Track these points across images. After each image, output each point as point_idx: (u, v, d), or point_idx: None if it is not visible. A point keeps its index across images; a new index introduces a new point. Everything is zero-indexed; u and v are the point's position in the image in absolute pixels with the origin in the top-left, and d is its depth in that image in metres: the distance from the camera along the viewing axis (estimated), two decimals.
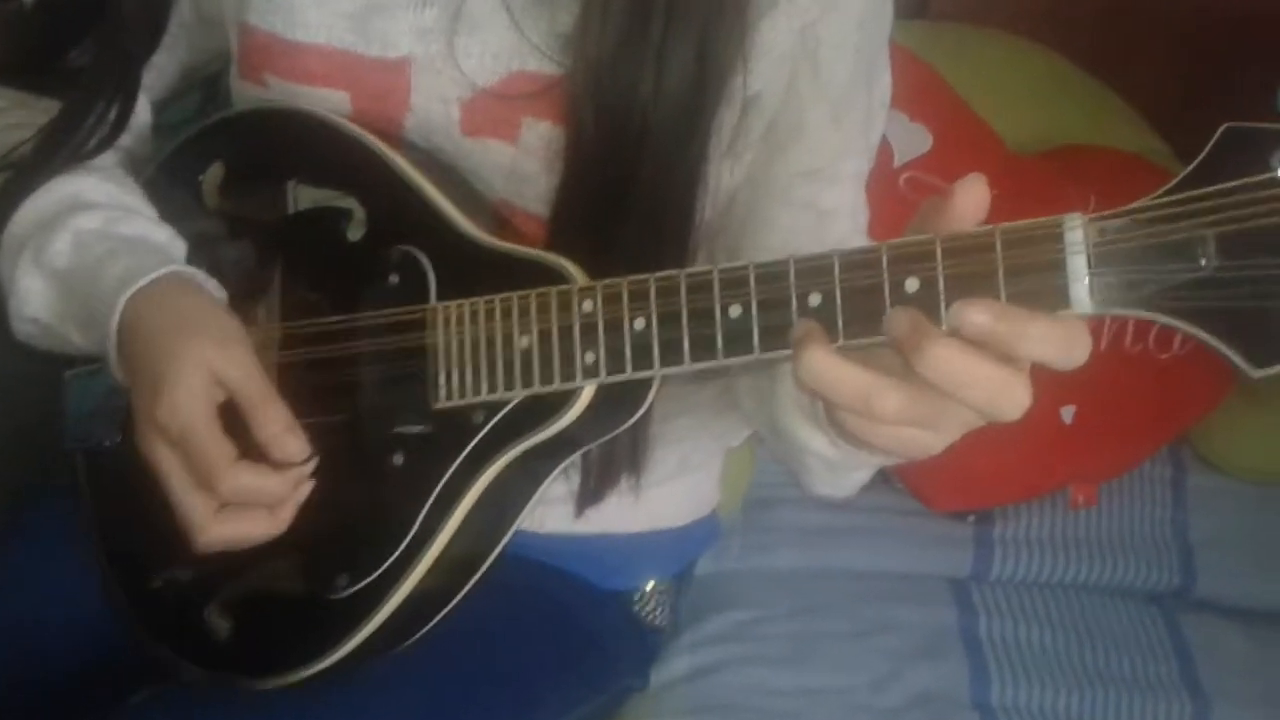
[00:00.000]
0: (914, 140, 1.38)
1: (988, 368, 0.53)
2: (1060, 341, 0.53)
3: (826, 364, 0.56)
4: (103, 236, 0.79)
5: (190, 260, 0.81)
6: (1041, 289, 0.53)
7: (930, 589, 1.34)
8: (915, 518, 1.40)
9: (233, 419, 0.73)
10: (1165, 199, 0.51)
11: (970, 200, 0.55)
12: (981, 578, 1.37)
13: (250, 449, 0.73)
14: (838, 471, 0.76)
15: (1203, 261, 0.50)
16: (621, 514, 0.91)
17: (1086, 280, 0.52)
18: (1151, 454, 1.47)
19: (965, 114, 1.45)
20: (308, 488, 0.74)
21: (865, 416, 0.56)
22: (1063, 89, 1.58)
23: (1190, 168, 0.51)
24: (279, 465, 0.73)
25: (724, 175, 0.80)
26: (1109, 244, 0.52)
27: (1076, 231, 0.53)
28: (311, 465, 0.74)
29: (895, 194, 1.34)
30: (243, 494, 0.72)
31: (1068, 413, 1.40)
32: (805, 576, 1.33)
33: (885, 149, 0.83)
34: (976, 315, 0.53)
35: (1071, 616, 1.33)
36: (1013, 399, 0.54)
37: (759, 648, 1.22)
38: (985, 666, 1.25)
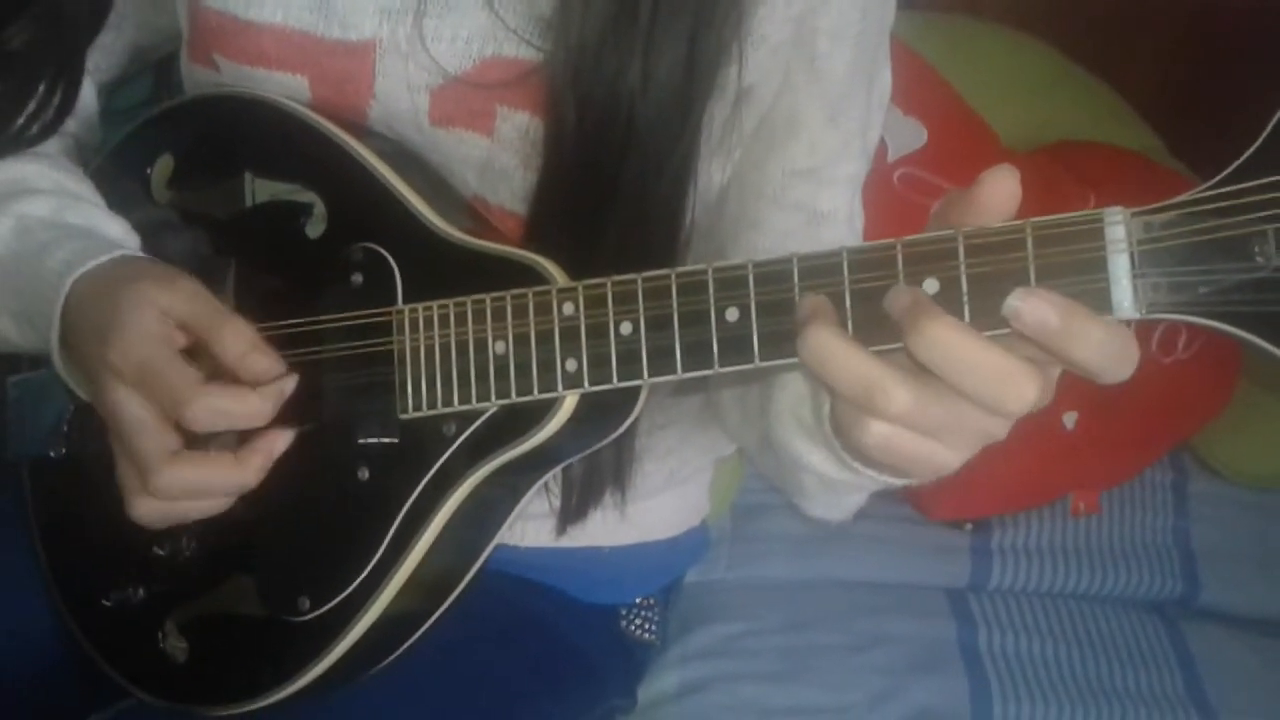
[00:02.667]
0: (908, 135, 1.36)
1: (994, 354, 0.49)
2: (1117, 350, 0.49)
3: (832, 345, 0.51)
4: (50, 224, 0.76)
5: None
6: (1079, 292, 0.49)
7: (927, 600, 1.32)
8: (910, 526, 1.38)
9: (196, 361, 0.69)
10: (1217, 190, 0.46)
11: (999, 192, 0.50)
12: (980, 588, 1.35)
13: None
14: (835, 491, 0.72)
15: (1260, 260, 0.46)
16: (607, 527, 0.88)
17: (1130, 282, 0.47)
18: (1154, 460, 1.47)
19: (960, 108, 1.44)
20: (284, 440, 0.70)
21: (867, 410, 0.52)
22: (1058, 83, 1.57)
23: (1245, 156, 0.46)
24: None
25: (714, 173, 0.77)
26: (1155, 241, 0.47)
27: (1118, 227, 0.48)
28: (291, 384, 0.69)
29: (889, 191, 1.32)
30: (214, 415, 0.67)
31: (1069, 419, 1.39)
32: (796, 587, 1.31)
33: (879, 145, 0.80)
34: (1038, 308, 0.48)
35: (1073, 627, 1.31)
36: (1018, 390, 0.50)
37: (750, 663, 1.19)
38: (986, 681, 1.22)
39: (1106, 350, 0.48)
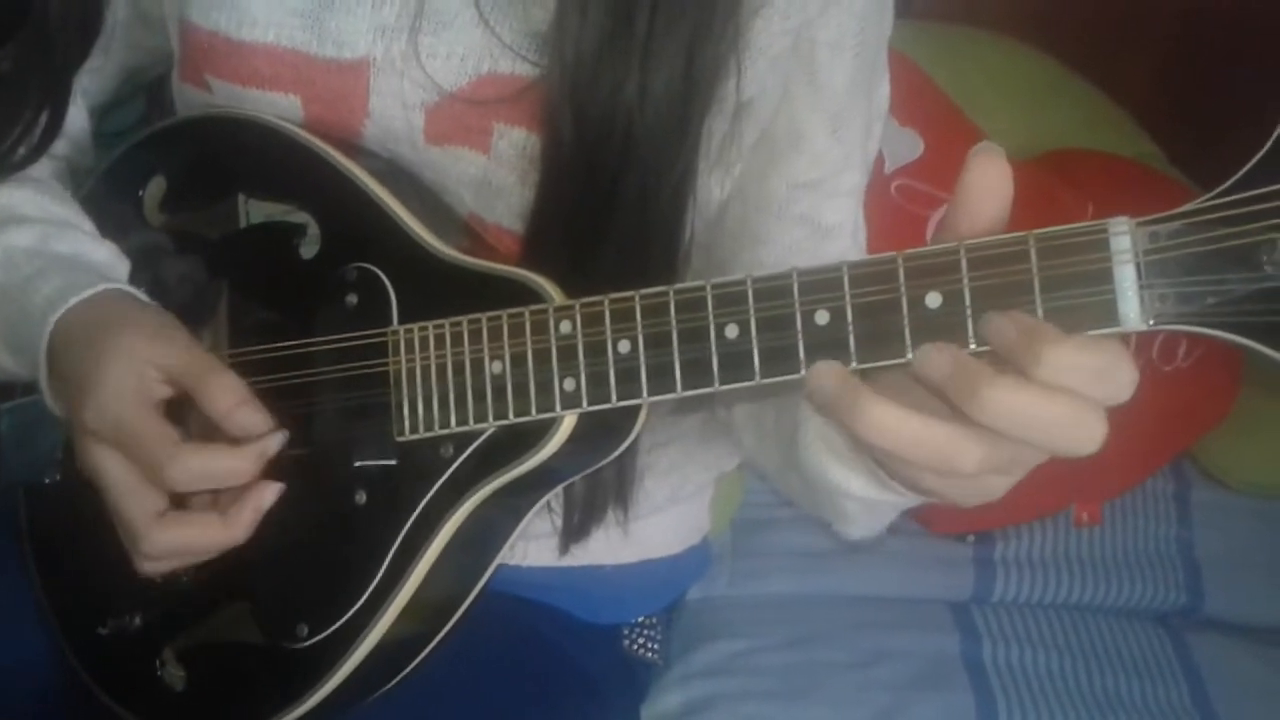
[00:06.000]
0: (905, 145, 1.35)
1: (1057, 405, 0.48)
2: (1096, 371, 0.47)
3: (896, 420, 0.50)
4: (34, 254, 0.75)
5: (132, 281, 0.76)
6: (1084, 304, 0.48)
7: (930, 614, 1.30)
8: (912, 539, 1.36)
9: (179, 423, 0.68)
10: (1223, 199, 0.46)
11: (989, 172, 0.50)
12: (983, 600, 1.34)
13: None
14: (878, 512, 0.71)
15: (1269, 269, 0.45)
16: (609, 546, 0.88)
17: (1136, 293, 0.47)
18: (1157, 470, 1.45)
19: (956, 118, 1.42)
20: (273, 492, 0.69)
21: (944, 474, 0.51)
22: (1054, 92, 1.56)
23: (1250, 164, 0.46)
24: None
25: (713, 187, 0.76)
26: (1161, 251, 0.47)
27: (1124, 237, 0.47)
28: (277, 441, 0.69)
29: (887, 202, 1.30)
30: (195, 475, 0.67)
31: None
32: (799, 603, 1.29)
33: (877, 156, 0.78)
34: (1005, 329, 0.48)
35: (1077, 639, 1.29)
36: (1089, 433, 0.48)
37: (753, 681, 1.18)
38: (991, 696, 1.21)
39: (1084, 372, 0.47)
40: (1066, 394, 0.47)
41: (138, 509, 0.67)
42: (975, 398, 0.47)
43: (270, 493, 0.69)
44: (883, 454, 0.54)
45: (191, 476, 0.67)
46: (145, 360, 0.67)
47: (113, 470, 0.68)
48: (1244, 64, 1.55)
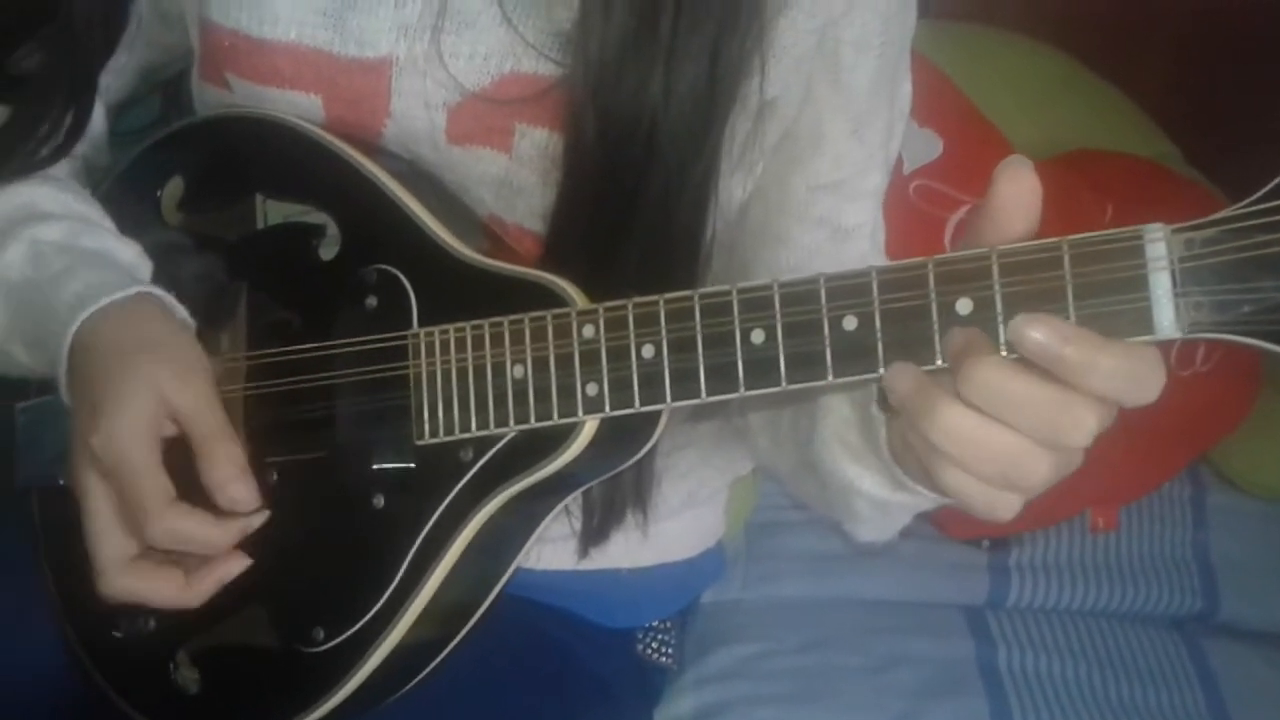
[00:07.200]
0: (923, 146, 1.34)
1: (1046, 390, 0.48)
2: (1132, 376, 0.47)
3: (972, 424, 0.50)
4: (63, 250, 0.75)
5: (152, 282, 0.76)
6: (1118, 311, 0.47)
7: (945, 619, 1.30)
8: (927, 543, 1.35)
9: (178, 461, 0.68)
10: (1261, 205, 0.45)
11: (1020, 187, 0.49)
12: (998, 606, 1.33)
13: (192, 496, 0.68)
14: (889, 513, 0.71)
15: None
16: (628, 549, 0.87)
17: (1172, 301, 0.46)
18: (1173, 475, 1.44)
19: (975, 118, 1.42)
20: (239, 566, 0.70)
21: (1011, 489, 0.51)
22: (1072, 91, 1.55)
23: None
24: (222, 515, 0.68)
25: (735, 187, 0.75)
26: (1197, 258, 0.46)
27: (1159, 244, 0.46)
28: (259, 521, 0.70)
29: (905, 203, 1.29)
30: (174, 539, 0.68)
31: None
32: (813, 607, 1.29)
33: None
34: (1036, 333, 0.47)
35: (1092, 645, 1.29)
36: (1076, 422, 0.48)
37: (767, 686, 1.17)
38: (1006, 703, 1.20)
39: (1121, 377, 0.47)
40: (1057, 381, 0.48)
41: (109, 549, 0.68)
42: (962, 372, 0.49)
43: (236, 566, 0.70)
44: (945, 458, 0.54)
45: (171, 538, 0.68)
46: (164, 403, 0.68)
47: (98, 501, 0.68)
48: (1262, 63, 1.54)
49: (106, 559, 0.68)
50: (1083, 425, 0.48)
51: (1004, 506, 0.53)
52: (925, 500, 0.64)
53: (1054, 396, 0.48)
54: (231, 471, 0.68)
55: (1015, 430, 0.49)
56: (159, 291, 0.74)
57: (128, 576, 0.68)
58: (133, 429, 0.67)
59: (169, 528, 0.67)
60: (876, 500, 0.68)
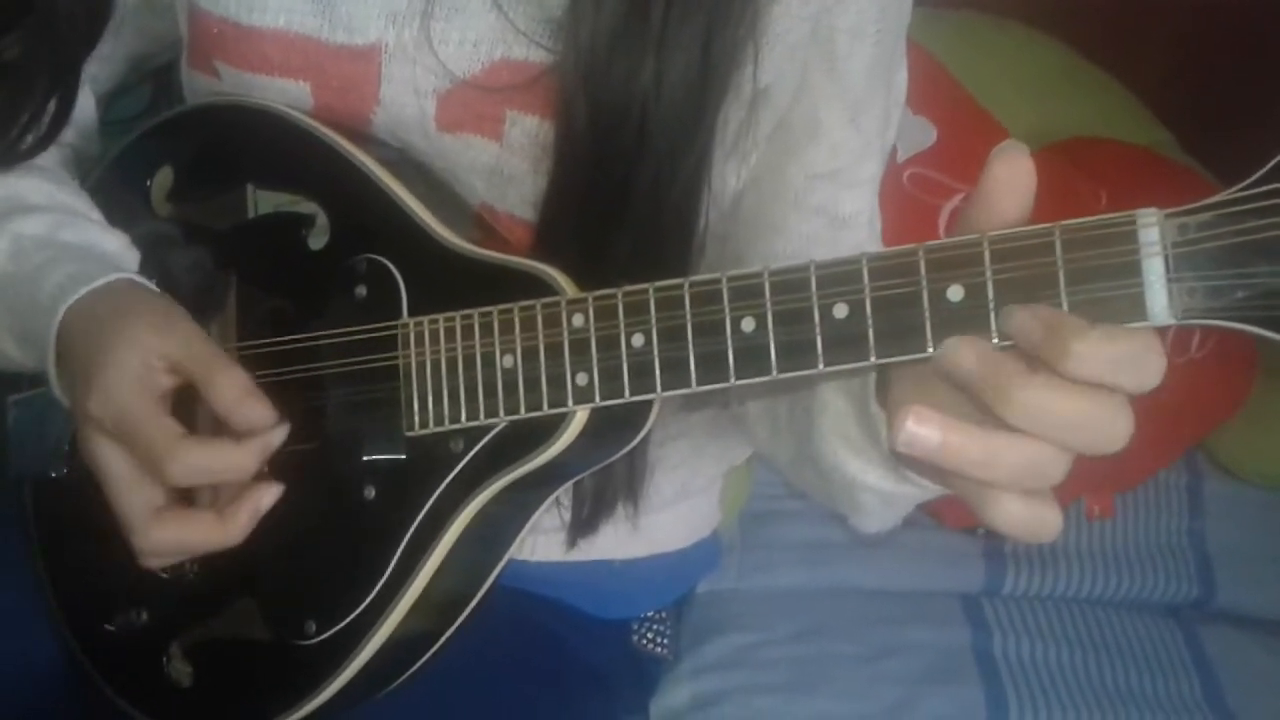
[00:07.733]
0: (917, 134, 1.34)
1: (1092, 404, 0.47)
2: (1129, 361, 0.46)
3: (993, 443, 0.49)
4: (44, 243, 0.74)
5: (141, 271, 0.75)
6: (1111, 297, 0.47)
7: (941, 607, 1.30)
8: (923, 531, 1.35)
9: (188, 414, 0.67)
10: (1255, 190, 0.44)
11: (1015, 170, 0.49)
12: (994, 593, 1.33)
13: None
14: (895, 504, 0.70)
15: None
16: (618, 540, 0.87)
17: (1165, 286, 0.45)
18: (1169, 462, 1.44)
19: (969, 106, 1.41)
20: (272, 495, 0.68)
21: (987, 486, 0.50)
22: (1067, 79, 1.54)
23: None
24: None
25: (729, 176, 0.75)
26: (1190, 243, 0.45)
27: (1152, 229, 0.46)
28: (280, 435, 0.68)
29: (900, 191, 1.29)
30: (195, 473, 0.66)
31: None
32: (808, 596, 1.29)
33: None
34: (1024, 323, 0.47)
35: (1088, 632, 1.29)
36: (1115, 431, 0.48)
37: (762, 675, 1.18)
38: (1002, 690, 1.21)
39: (1116, 363, 0.46)
40: (1096, 390, 0.47)
41: (135, 504, 0.67)
42: (1005, 399, 0.47)
43: (269, 495, 0.68)
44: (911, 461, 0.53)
45: (191, 472, 0.66)
46: (151, 351, 0.67)
47: (113, 462, 0.67)
48: (1258, 51, 1.53)
49: (135, 515, 0.67)
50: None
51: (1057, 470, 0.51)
52: (928, 491, 0.64)
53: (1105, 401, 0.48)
54: (237, 393, 0.66)
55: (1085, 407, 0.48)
56: (140, 279, 0.73)
57: (160, 528, 0.67)
58: (126, 381, 0.66)
59: (186, 462, 0.65)
60: (882, 493, 0.67)
